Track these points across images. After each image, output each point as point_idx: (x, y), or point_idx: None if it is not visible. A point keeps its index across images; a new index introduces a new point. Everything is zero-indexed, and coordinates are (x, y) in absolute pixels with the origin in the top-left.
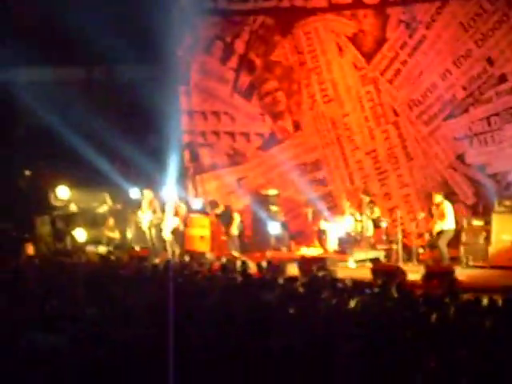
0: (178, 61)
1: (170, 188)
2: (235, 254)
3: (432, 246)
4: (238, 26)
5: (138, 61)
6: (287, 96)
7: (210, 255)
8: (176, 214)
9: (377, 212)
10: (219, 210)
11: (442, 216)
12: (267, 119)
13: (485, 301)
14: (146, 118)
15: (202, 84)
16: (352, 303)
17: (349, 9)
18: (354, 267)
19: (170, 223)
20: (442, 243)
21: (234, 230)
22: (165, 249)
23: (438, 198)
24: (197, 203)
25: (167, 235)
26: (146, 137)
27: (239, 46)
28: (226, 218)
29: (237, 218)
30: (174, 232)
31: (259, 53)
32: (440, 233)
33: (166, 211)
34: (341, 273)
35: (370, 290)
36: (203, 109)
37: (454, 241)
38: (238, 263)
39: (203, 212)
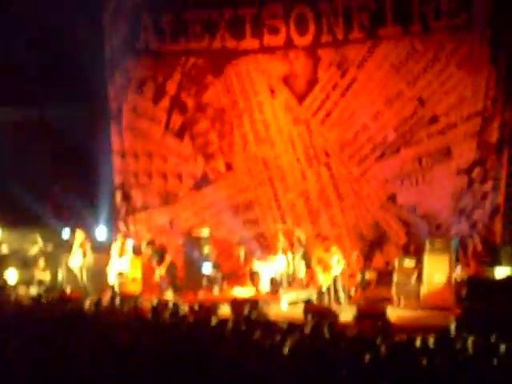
0: (110, 101)
1: (103, 228)
2: (168, 295)
3: (364, 286)
4: (169, 67)
5: (70, 101)
6: (219, 137)
7: (141, 297)
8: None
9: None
10: (151, 250)
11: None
12: (199, 160)
13: (417, 341)
14: (78, 157)
15: (134, 124)
16: (283, 344)
17: (280, 50)
18: (286, 308)
19: (116, 266)
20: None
21: (162, 271)
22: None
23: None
24: (131, 245)
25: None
26: (77, 176)
27: (171, 87)
28: (158, 258)
29: (168, 258)
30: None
31: (191, 93)
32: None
33: (112, 254)
34: (273, 314)
35: (301, 330)
36: (135, 149)
37: (387, 281)
38: (169, 305)
39: (135, 253)
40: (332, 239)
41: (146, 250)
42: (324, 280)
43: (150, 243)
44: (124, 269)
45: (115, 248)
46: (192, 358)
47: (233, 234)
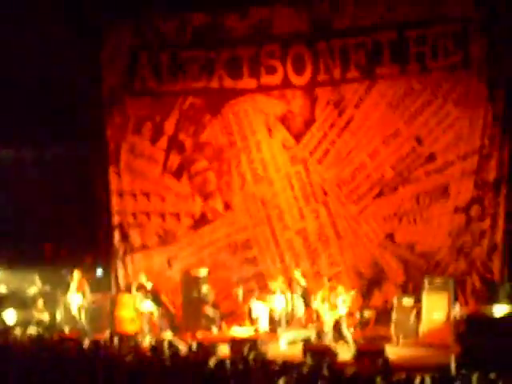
0: (108, 140)
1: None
2: (167, 335)
3: (363, 325)
4: (167, 106)
5: (67, 140)
6: (217, 176)
7: (139, 337)
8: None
9: (308, 291)
10: (142, 295)
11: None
12: (197, 199)
13: (417, 380)
14: (76, 197)
15: (132, 164)
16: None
17: (277, 89)
18: (285, 347)
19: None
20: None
21: (156, 314)
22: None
23: None
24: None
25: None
26: (74, 216)
27: (169, 127)
28: (155, 301)
29: (164, 298)
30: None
31: (189, 133)
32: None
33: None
34: (272, 353)
35: (300, 370)
36: (133, 189)
37: (386, 319)
38: (166, 345)
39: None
40: (337, 279)
41: (137, 294)
42: (329, 319)
43: (140, 288)
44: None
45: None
46: None
47: (231, 274)
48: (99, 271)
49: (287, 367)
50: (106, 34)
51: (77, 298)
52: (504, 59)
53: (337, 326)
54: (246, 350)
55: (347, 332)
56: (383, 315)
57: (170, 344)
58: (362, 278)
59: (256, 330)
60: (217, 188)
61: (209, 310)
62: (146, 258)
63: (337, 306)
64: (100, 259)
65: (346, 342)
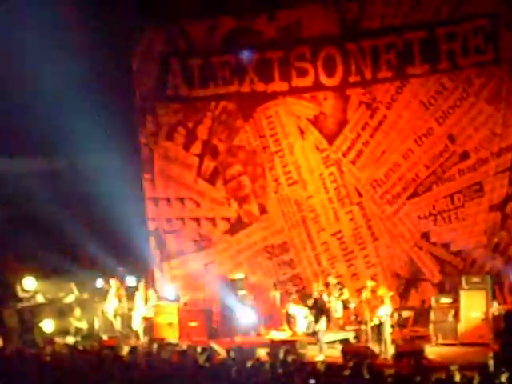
0: (141, 147)
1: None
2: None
3: (401, 325)
4: (199, 112)
5: (101, 150)
6: (252, 180)
7: (175, 342)
8: (146, 302)
9: (345, 294)
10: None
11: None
12: (233, 203)
13: (457, 378)
14: (108, 206)
15: (165, 170)
16: None
17: (309, 91)
18: (324, 349)
19: (140, 312)
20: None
21: None
22: (136, 337)
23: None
24: (168, 291)
25: (137, 324)
26: (108, 225)
27: (202, 132)
28: None
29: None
30: (144, 320)
31: (222, 138)
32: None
33: (136, 300)
34: (311, 355)
35: (340, 372)
36: (168, 195)
37: (424, 319)
38: (199, 349)
39: (173, 300)
40: (374, 280)
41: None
42: (369, 320)
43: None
44: (147, 314)
45: (139, 295)
46: None
47: (268, 277)
48: (132, 279)
49: (328, 369)
50: (136, 40)
51: (113, 306)
52: None
53: (377, 327)
54: (282, 352)
55: (387, 333)
56: (421, 315)
57: (204, 349)
58: (398, 278)
59: (294, 333)
60: (251, 192)
61: (246, 315)
62: (183, 263)
63: (378, 306)
64: (136, 267)
65: (385, 342)
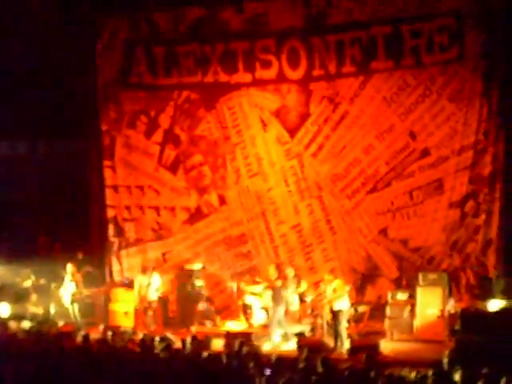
0: (103, 134)
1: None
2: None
3: (357, 320)
4: (162, 101)
5: (61, 135)
6: (212, 170)
7: (131, 330)
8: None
9: (303, 286)
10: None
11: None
12: (193, 193)
13: (412, 374)
14: (69, 192)
15: (126, 158)
16: (276, 378)
17: (272, 84)
18: (279, 342)
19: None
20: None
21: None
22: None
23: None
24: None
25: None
26: (68, 211)
27: (164, 121)
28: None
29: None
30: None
31: (184, 127)
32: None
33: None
34: (266, 348)
35: (294, 364)
36: (128, 183)
37: (380, 314)
38: (157, 339)
39: (127, 285)
40: (337, 275)
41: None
42: (325, 314)
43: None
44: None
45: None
46: None
47: (226, 268)
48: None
49: (281, 362)
50: (100, 27)
51: (69, 292)
52: (499, 54)
53: (333, 321)
54: (237, 344)
55: (343, 327)
56: (377, 310)
57: (162, 338)
58: (355, 273)
59: (250, 325)
60: (212, 182)
61: (202, 305)
62: (141, 252)
63: (333, 300)
64: (94, 253)
65: (341, 337)
